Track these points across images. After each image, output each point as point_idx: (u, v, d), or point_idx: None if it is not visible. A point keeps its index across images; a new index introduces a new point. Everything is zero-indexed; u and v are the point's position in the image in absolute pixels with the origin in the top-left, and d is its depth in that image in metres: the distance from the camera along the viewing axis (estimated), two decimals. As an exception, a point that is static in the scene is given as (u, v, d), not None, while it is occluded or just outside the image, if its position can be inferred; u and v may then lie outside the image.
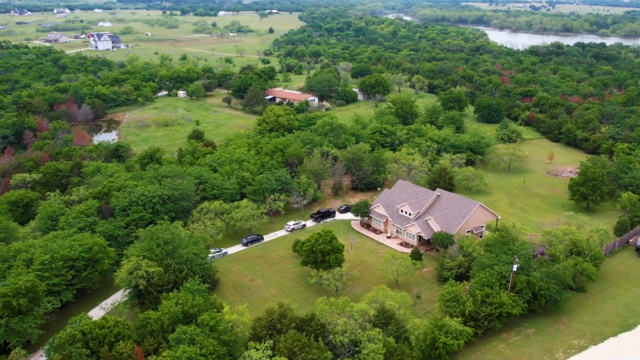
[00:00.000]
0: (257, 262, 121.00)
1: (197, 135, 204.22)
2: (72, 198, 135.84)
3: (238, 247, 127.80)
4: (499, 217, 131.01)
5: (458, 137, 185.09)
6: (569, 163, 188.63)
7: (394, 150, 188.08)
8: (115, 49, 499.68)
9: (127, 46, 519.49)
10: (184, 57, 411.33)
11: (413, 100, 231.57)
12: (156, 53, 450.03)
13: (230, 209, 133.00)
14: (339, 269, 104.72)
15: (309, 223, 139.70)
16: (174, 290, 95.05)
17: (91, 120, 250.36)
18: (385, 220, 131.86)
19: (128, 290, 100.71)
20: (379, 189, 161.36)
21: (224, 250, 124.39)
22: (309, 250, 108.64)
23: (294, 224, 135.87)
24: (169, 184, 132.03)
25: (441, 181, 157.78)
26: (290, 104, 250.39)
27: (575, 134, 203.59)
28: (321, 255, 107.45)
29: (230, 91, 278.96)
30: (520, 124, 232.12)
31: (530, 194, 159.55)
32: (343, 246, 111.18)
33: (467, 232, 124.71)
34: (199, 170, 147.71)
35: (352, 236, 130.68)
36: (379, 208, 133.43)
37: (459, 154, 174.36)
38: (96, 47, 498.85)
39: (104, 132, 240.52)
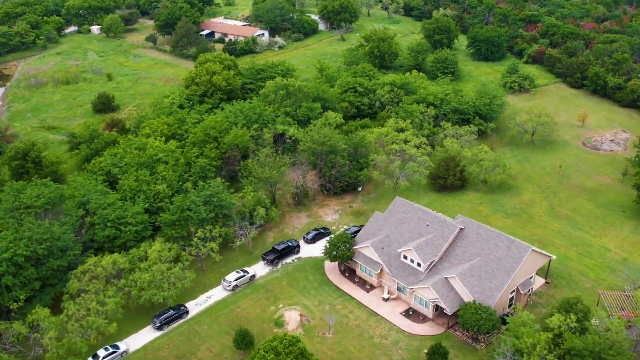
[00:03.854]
0: (176, 371, 73.44)
1: (103, 103, 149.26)
2: None
3: (147, 334, 79.43)
4: (553, 257, 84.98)
5: (461, 98, 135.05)
6: (604, 125, 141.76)
7: (375, 116, 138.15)
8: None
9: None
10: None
11: (392, 36, 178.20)
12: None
13: (132, 266, 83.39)
14: None
15: (260, 269, 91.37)
16: None
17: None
18: (379, 271, 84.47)
19: None
20: (359, 189, 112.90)
21: (122, 348, 75.84)
22: (260, 384, 61.42)
23: (236, 278, 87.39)
24: (32, 230, 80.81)
25: (449, 176, 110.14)
26: (232, 43, 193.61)
27: (605, 80, 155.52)
28: (281, 393, 60.58)
29: (154, 26, 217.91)
30: (527, 62, 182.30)
31: (572, 187, 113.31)
32: (318, 366, 64.24)
33: (511, 292, 78.99)
34: (86, 189, 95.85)
35: (328, 300, 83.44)
36: (367, 250, 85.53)
37: (467, 126, 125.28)
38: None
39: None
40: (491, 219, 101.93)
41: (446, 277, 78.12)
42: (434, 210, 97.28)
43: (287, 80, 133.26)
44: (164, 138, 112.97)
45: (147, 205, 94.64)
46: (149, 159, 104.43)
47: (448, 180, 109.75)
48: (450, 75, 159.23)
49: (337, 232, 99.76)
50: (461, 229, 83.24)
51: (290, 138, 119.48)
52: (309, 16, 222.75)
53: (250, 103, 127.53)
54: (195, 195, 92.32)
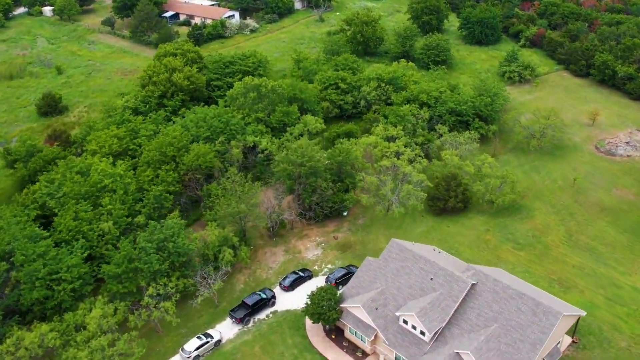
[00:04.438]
0: None
1: (49, 104, 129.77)
2: None
3: None
4: (583, 314, 69.87)
5: (459, 97, 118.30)
6: (616, 123, 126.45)
7: (360, 117, 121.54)
8: None
9: None
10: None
11: (376, 19, 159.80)
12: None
13: (66, 338, 66.63)
14: None
15: (228, 329, 75.20)
16: None
17: None
18: (373, 337, 68.78)
19: None
20: (345, 214, 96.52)
21: None
22: None
23: (197, 347, 71.04)
24: None
25: (450, 197, 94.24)
26: (197, 27, 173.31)
27: (613, 69, 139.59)
28: None
29: (112, 7, 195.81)
30: (524, 46, 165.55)
31: (589, 205, 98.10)
32: None
33: (537, 366, 63.99)
34: (12, 233, 78.09)
35: (312, 375, 67.87)
36: (359, 311, 69.70)
37: (467, 132, 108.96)
38: None
39: None
40: (500, 251, 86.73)
41: (457, 352, 62.74)
42: (433, 246, 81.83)
43: (258, 79, 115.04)
44: (111, 158, 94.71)
45: (87, 252, 77.41)
46: (92, 188, 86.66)
47: (448, 203, 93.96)
48: (442, 66, 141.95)
49: (320, 274, 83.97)
50: (473, 284, 67.58)
51: (262, 152, 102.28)
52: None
53: (215, 109, 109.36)
54: (145, 241, 75.14)
